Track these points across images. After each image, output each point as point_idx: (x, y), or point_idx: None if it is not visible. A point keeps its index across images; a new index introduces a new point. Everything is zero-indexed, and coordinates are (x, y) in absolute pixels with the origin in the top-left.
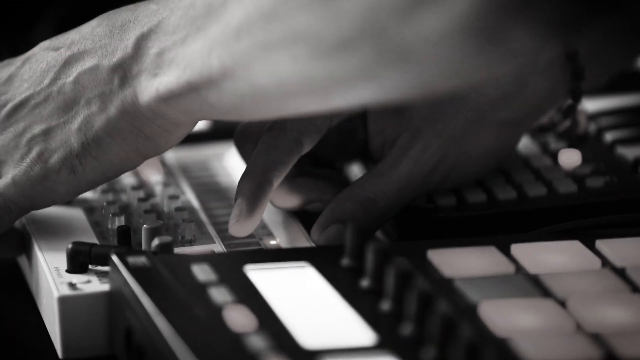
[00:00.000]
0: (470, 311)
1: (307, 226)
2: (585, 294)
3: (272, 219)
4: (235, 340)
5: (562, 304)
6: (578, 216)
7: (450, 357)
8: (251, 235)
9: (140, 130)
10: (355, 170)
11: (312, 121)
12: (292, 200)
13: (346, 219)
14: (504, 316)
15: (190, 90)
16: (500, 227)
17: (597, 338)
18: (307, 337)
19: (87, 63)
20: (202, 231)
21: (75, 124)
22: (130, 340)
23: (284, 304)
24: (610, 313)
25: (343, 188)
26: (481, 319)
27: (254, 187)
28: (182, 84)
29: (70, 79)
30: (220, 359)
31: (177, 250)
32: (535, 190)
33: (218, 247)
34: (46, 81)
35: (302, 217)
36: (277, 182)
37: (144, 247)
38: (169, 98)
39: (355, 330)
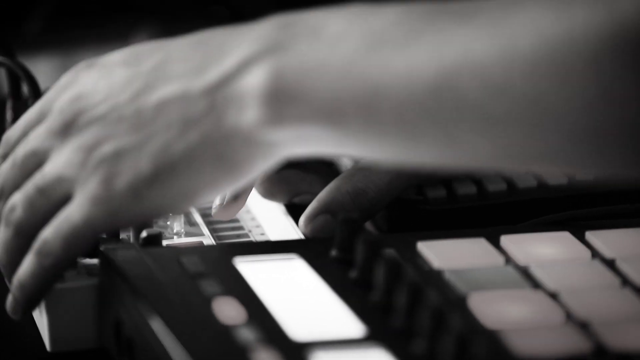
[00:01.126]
0: (460, 303)
1: (296, 218)
2: (575, 285)
3: (261, 211)
4: (225, 332)
5: (552, 295)
6: (568, 207)
7: (440, 349)
8: (240, 228)
9: (225, 157)
10: (346, 163)
11: None
12: (280, 193)
13: (335, 210)
14: (494, 308)
15: (330, 126)
16: (490, 219)
17: (586, 329)
18: (296, 329)
19: (173, 86)
20: (191, 223)
21: (150, 146)
22: (119, 333)
23: (273, 296)
24: (600, 304)
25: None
26: (471, 311)
27: None
28: (318, 119)
29: (152, 101)
30: (210, 351)
31: (166, 242)
32: (525, 181)
33: (207, 239)
34: (123, 97)
35: (291, 209)
36: None
37: (132, 239)
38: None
39: (345, 323)
